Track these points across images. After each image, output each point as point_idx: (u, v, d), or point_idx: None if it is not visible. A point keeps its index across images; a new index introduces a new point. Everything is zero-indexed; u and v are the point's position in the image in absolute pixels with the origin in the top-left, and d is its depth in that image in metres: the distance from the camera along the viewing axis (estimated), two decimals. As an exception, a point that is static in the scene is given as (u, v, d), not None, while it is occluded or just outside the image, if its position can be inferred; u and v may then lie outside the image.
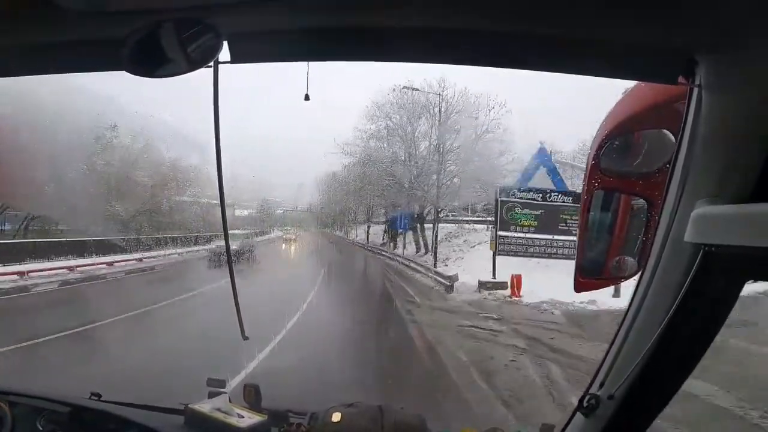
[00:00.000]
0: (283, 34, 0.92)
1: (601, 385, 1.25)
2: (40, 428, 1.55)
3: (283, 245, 32.71)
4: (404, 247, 26.22)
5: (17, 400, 1.58)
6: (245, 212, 34.25)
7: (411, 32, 0.91)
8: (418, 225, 24.58)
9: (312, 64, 1.11)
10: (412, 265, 21.30)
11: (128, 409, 1.67)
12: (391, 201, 25.62)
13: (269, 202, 35.30)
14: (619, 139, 1.15)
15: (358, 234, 35.67)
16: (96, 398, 1.74)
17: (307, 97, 1.39)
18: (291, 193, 36.31)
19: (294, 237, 34.52)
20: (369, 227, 33.41)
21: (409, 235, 26.25)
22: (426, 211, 23.68)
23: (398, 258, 24.52)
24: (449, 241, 23.47)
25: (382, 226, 32.03)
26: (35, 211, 17.15)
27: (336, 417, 1.56)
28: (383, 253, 28.12)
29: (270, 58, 1.03)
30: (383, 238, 31.63)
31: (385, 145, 24.59)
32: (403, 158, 24.26)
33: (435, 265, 19.38)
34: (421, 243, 24.53)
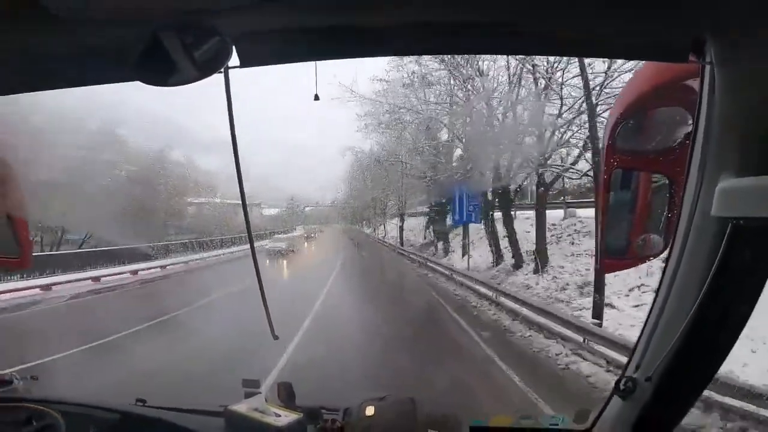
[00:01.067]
0: (289, 34, 0.93)
1: (638, 367, 1.23)
2: None
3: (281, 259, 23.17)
4: (467, 254, 16.59)
5: (68, 409, 1.66)
6: (273, 211, 34.60)
7: (414, 27, 0.91)
8: (499, 212, 14.75)
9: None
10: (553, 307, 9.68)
11: (171, 413, 1.74)
12: (435, 178, 17.79)
13: (296, 199, 35.03)
14: (633, 118, 1.14)
15: (388, 231, 30.90)
16: (141, 404, 1.81)
17: (316, 97, 1.40)
18: (318, 190, 35.62)
19: (304, 238, 30.22)
20: (402, 221, 26.49)
21: (474, 231, 17.13)
22: (514, 188, 14.67)
23: (470, 278, 13.35)
24: (568, 241, 13.01)
25: (422, 220, 25.45)
26: (68, 226, 17.66)
27: (370, 411, 1.58)
28: (428, 262, 19.12)
29: (278, 59, 1.04)
30: (425, 236, 24.79)
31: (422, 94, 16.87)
32: (461, 99, 15.25)
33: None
34: (505, 246, 14.28)
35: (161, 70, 0.85)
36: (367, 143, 26.45)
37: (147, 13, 0.82)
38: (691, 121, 1.00)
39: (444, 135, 18.12)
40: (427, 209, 23.88)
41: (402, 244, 26.76)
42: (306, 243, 30.34)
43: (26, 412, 1.62)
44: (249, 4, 0.83)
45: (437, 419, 1.56)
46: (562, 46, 0.98)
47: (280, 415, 1.66)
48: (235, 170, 1.23)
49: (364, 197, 31.55)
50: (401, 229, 27.18)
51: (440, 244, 21.83)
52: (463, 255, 17.32)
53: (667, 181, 1.14)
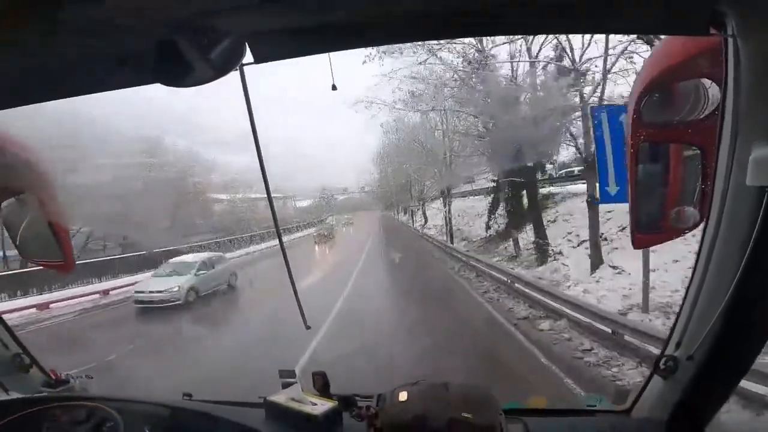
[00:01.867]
0: (300, 30, 0.93)
1: (678, 345, 1.20)
2: (147, 431, 1.71)
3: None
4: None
5: (123, 406, 1.75)
6: (305, 202, 34.36)
7: (421, 14, 0.90)
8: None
9: None
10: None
11: (215, 406, 1.81)
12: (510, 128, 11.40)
13: (329, 189, 34.34)
14: (658, 91, 1.10)
15: (429, 218, 26.28)
16: (188, 398, 1.89)
17: (334, 87, 1.41)
18: (349, 175, 34.73)
19: (326, 234, 27.27)
20: (448, 203, 19.40)
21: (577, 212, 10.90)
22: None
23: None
24: None
25: (477, 201, 18.33)
26: (100, 229, 18.29)
27: (403, 396, 1.60)
28: (517, 283, 10.48)
29: (290, 54, 1.05)
30: (489, 225, 15.61)
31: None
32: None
33: None
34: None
35: (179, 72, 0.88)
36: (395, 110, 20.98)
37: (162, 18, 0.84)
38: (718, 91, 0.98)
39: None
40: (492, 183, 16.00)
41: (451, 239, 18.59)
42: (318, 245, 25.71)
43: (84, 410, 1.71)
44: (256, 4, 0.84)
45: (471, 402, 1.56)
46: (578, 21, 0.95)
47: (316, 404, 1.71)
48: (259, 164, 1.25)
49: (398, 178, 28.41)
50: (448, 217, 19.33)
51: (523, 241, 12.63)
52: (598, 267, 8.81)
53: (698, 152, 1.10)
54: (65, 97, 1.09)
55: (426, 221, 27.25)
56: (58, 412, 1.72)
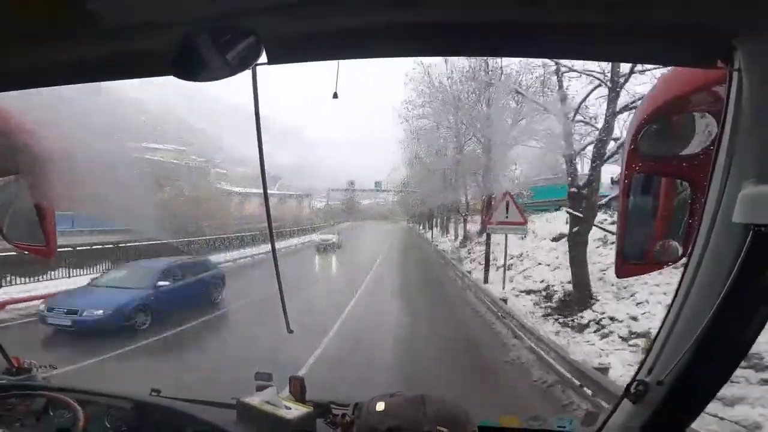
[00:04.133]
0: (317, 34, 0.94)
1: (650, 371, 1.24)
2: (108, 425, 1.66)
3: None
4: None
5: (87, 398, 1.70)
6: (320, 203, 32.64)
7: (440, 27, 0.92)
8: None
9: None
10: None
11: (185, 404, 1.77)
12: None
13: (351, 192, 32.76)
14: (657, 123, 1.13)
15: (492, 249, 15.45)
16: (155, 394, 1.84)
17: (335, 95, 1.42)
18: (381, 178, 32.96)
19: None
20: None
21: None
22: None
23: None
24: None
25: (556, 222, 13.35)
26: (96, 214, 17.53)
27: (380, 406, 1.59)
28: None
29: (305, 58, 1.06)
30: None
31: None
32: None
33: None
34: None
35: (195, 67, 0.90)
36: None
37: (186, 15, 0.86)
38: (716, 126, 1.01)
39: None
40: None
41: (503, 286, 12.51)
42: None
43: (43, 400, 1.66)
44: (279, 6, 0.85)
45: (447, 417, 1.56)
46: (585, 47, 0.98)
47: (290, 408, 1.69)
48: (259, 164, 1.26)
49: (431, 183, 25.12)
50: (487, 245, 14.04)
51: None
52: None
53: (688, 187, 1.14)
54: (84, 83, 1.09)
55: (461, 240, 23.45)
56: (15, 400, 1.66)
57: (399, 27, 0.92)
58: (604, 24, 0.86)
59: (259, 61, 0.95)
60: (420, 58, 13.57)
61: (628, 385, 1.28)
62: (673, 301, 1.17)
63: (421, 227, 33.49)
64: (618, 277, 1.33)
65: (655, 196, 1.19)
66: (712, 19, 0.85)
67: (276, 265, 1.53)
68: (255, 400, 1.71)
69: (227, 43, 0.87)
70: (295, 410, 1.68)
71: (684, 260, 1.15)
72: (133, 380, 5.85)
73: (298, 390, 1.79)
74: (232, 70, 0.90)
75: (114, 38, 0.91)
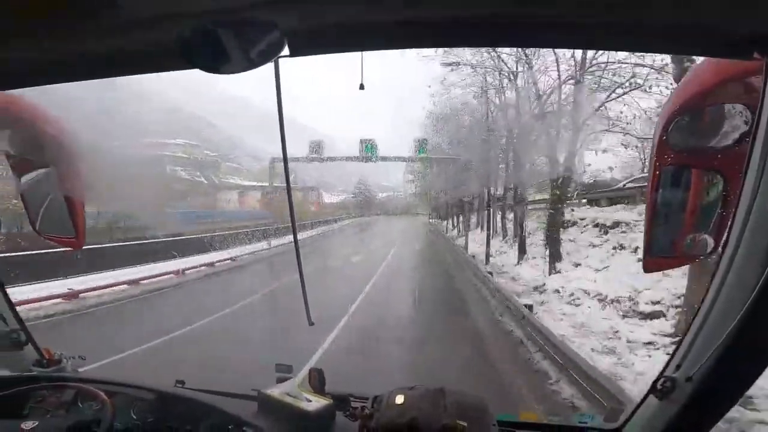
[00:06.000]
0: (339, 25, 0.94)
1: (678, 367, 1.22)
2: (134, 416, 1.70)
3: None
4: None
5: (114, 389, 1.74)
6: (338, 197, 30.15)
7: (463, 19, 0.91)
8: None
9: None
10: None
11: (207, 395, 1.80)
12: None
13: (367, 185, 29.82)
14: (689, 114, 1.10)
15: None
16: (180, 385, 1.88)
17: (362, 87, 1.41)
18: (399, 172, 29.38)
19: None
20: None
21: None
22: None
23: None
24: None
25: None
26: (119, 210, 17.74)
27: (399, 399, 1.60)
28: None
29: (326, 50, 1.05)
30: None
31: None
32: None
33: None
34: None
35: (217, 59, 0.88)
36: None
37: (209, 6, 0.85)
38: (750, 118, 0.97)
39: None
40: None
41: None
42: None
43: (72, 392, 1.71)
44: None
45: (466, 410, 1.56)
46: (615, 38, 0.95)
47: (311, 401, 1.70)
48: (282, 158, 1.26)
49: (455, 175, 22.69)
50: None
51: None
52: None
53: (720, 179, 1.11)
54: (107, 77, 1.10)
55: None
56: (46, 392, 1.71)
57: (420, 18, 0.91)
58: (638, 17, 0.84)
59: (280, 54, 0.95)
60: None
61: (655, 381, 1.26)
62: (705, 295, 1.14)
63: (451, 226, 27.83)
64: (645, 271, 1.31)
65: (685, 188, 1.16)
66: (747, 9, 0.82)
67: (299, 260, 1.54)
68: (276, 391, 1.73)
69: (250, 36, 0.86)
70: (315, 402, 1.69)
71: (715, 255, 1.12)
72: (159, 372, 6.00)
73: (318, 382, 1.80)
74: (255, 62, 0.90)
75: (136, 30, 0.91)
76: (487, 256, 18.09)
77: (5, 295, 1.90)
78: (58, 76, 1.12)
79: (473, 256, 18.54)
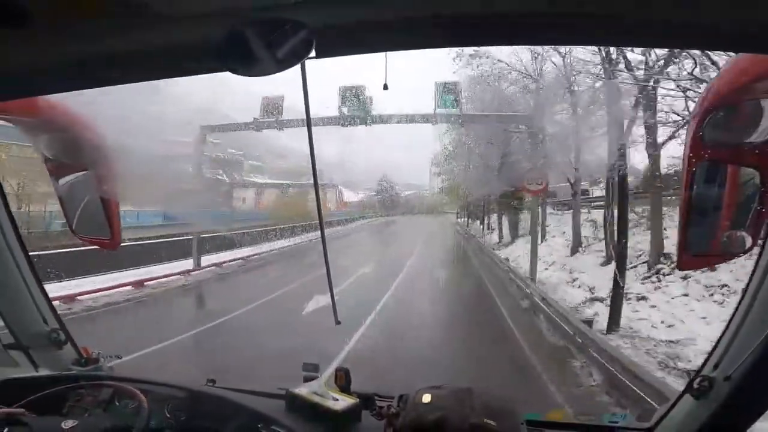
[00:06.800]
0: (364, 26, 0.94)
1: (716, 366, 1.19)
2: (168, 414, 1.74)
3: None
4: None
5: (149, 388, 1.79)
6: (359, 196, 27.16)
7: (492, 16, 0.90)
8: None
9: None
10: None
11: (237, 393, 1.84)
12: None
13: (390, 182, 26.31)
14: (724, 110, 1.07)
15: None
16: (211, 384, 1.92)
17: (385, 87, 1.41)
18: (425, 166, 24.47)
19: None
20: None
21: None
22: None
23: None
24: None
25: None
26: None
27: (426, 398, 1.60)
28: None
29: (352, 51, 1.05)
30: None
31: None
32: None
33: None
34: None
35: (247, 61, 0.88)
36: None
37: (238, 7, 0.86)
38: None
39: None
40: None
41: None
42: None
43: (110, 390, 1.76)
44: None
45: (494, 409, 1.55)
46: (651, 33, 0.92)
47: (337, 399, 1.72)
48: (310, 157, 1.27)
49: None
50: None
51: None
52: None
53: (757, 175, 1.07)
54: (136, 81, 1.11)
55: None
56: (84, 391, 1.76)
57: (445, 17, 0.90)
58: (674, 14, 0.82)
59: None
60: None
61: (691, 380, 1.24)
62: (743, 293, 1.11)
63: (484, 228, 21.03)
64: (680, 269, 1.28)
65: (720, 184, 1.14)
66: None
67: (326, 260, 1.55)
68: (303, 390, 1.76)
69: (279, 37, 0.86)
70: (341, 401, 1.71)
71: (754, 251, 1.09)
72: (190, 368, 6.15)
73: (344, 381, 1.82)
74: (284, 64, 0.89)
75: (164, 32, 0.91)
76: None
77: (44, 293, 1.97)
78: (92, 81, 1.14)
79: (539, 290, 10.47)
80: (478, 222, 22.57)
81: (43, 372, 1.96)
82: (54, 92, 1.29)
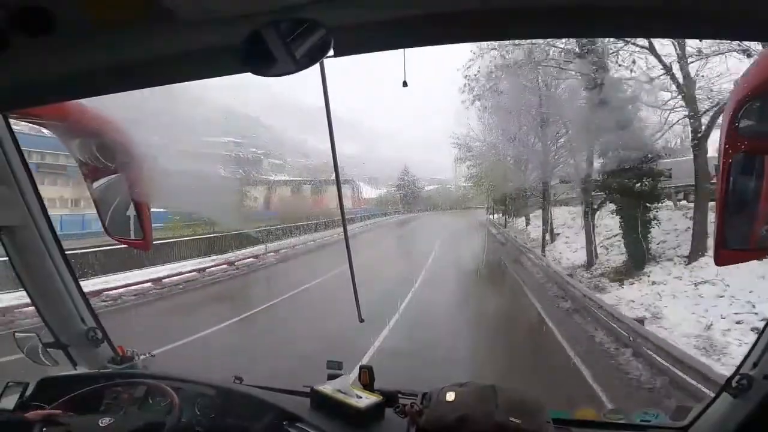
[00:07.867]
0: (381, 23, 0.93)
1: (755, 365, 1.15)
2: (197, 412, 1.80)
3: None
4: None
5: (180, 385, 1.85)
6: (378, 191, 26.04)
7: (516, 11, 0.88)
8: None
9: None
10: None
11: (263, 391, 1.88)
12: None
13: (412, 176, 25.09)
14: (761, 99, 1.02)
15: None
16: (238, 381, 1.97)
17: (405, 84, 1.40)
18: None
19: None
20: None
21: None
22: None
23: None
24: None
25: None
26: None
27: (450, 396, 1.59)
28: None
29: (370, 48, 1.05)
30: None
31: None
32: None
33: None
34: None
35: (266, 62, 0.89)
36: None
37: (257, 8, 0.87)
38: None
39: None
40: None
41: None
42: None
43: (144, 388, 1.83)
44: None
45: (519, 407, 1.53)
46: (686, 23, 0.88)
47: (361, 397, 1.73)
48: (332, 155, 1.27)
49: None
50: None
51: None
52: None
53: None
54: (161, 85, 1.14)
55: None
56: (120, 388, 1.84)
57: (464, 12, 0.89)
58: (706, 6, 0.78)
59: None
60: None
61: (729, 379, 1.21)
62: None
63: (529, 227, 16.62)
64: (717, 264, 1.22)
65: (758, 177, 1.08)
66: None
67: (349, 258, 1.56)
68: (327, 388, 1.78)
69: (297, 37, 0.87)
70: (365, 399, 1.73)
71: None
72: (217, 363, 6.30)
73: (368, 379, 1.83)
74: (302, 64, 0.90)
75: (186, 35, 0.93)
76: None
77: (81, 292, 2.05)
78: (120, 85, 1.18)
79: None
80: (523, 219, 16.80)
81: (81, 370, 2.04)
82: (83, 97, 1.33)
